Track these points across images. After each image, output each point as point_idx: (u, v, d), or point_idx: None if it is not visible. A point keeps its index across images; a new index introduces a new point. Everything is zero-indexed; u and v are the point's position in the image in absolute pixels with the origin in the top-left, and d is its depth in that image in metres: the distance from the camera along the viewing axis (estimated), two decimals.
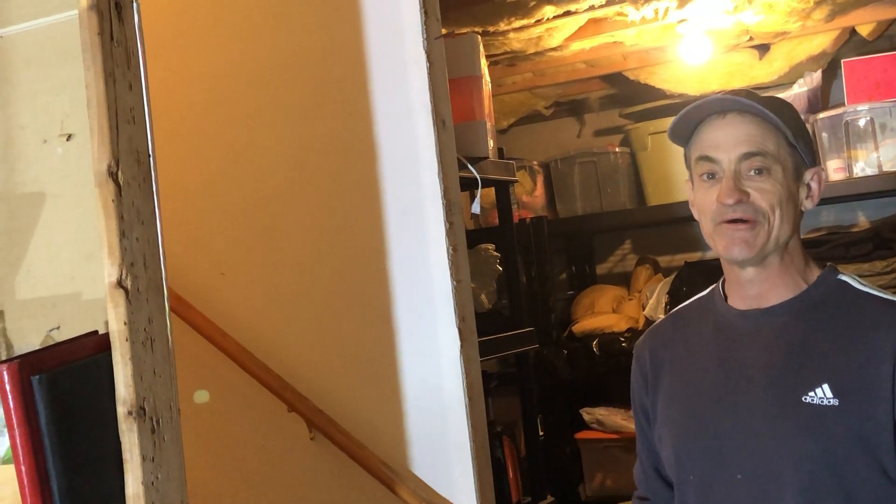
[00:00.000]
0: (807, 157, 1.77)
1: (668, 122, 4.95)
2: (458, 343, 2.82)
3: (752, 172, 1.71)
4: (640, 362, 1.94)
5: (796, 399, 1.66)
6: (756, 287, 1.77)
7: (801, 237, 1.82)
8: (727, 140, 1.73)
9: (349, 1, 2.95)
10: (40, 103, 1.94)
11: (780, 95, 4.41)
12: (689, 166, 1.85)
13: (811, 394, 1.64)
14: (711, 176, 1.76)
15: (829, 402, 1.62)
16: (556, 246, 5.14)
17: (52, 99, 1.93)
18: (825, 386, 1.64)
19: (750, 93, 1.77)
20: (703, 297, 1.94)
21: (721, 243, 1.74)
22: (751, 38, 4.59)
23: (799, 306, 1.75)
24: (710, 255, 4.85)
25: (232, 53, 3.15)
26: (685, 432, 1.79)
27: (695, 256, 4.83)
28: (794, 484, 1.64)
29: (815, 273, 1.79)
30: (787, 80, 4.69)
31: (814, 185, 1.79)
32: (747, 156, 1.71)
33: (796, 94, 4.50)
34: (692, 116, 1.78)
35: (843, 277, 1.78)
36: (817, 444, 1.63)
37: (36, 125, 1.95)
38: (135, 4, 1.80)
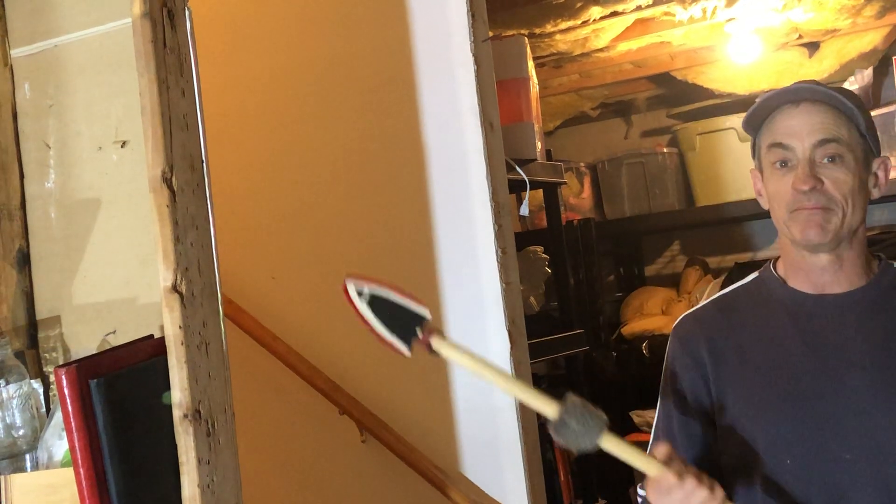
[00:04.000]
0: (874, 146, 1.79)
1: (717, 121, 4.91)
2: (507, 345, 2.82)
3: (825, 160, 1.73)
4: (691, 348, 1.89)
5: None
6: (829, 274, 1.79)
7: (868, 233, 1.82)
8: (801, 127, 1.74)
9: (396, 4, 2.96)
10: (95, 110, 1.97)
11: None
12: (757, 156, 1.86)
13: None
14: (784, 164, 1.77)
15: None
16: (604, 248, 5.11)
17: (107, 106, 1.95)
18: None
19: (820, 84, 1.79)
20: (748, 283, 1.94)
21: (797, 228, 1.75)
22: (800, 36, 4.55)
23: (876, 292, 1.79)
24: (760, 255, 4.80)
25: (281, 58, 3.18)
26: (779, 417, 1.77)
27: (745, 257, 4.78)
28: None
29: (873, 262, 1.83)
30: (837, 78, 4.63)
31: (881, 173, 1.81)
32: (822, 143, 1.73)
33: None
34: (767, 105, 1.79)
35: None
36: None
37: (91, 132, 1.97)
38: (187, 11, 1.82)
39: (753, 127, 1.85)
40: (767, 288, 1.89)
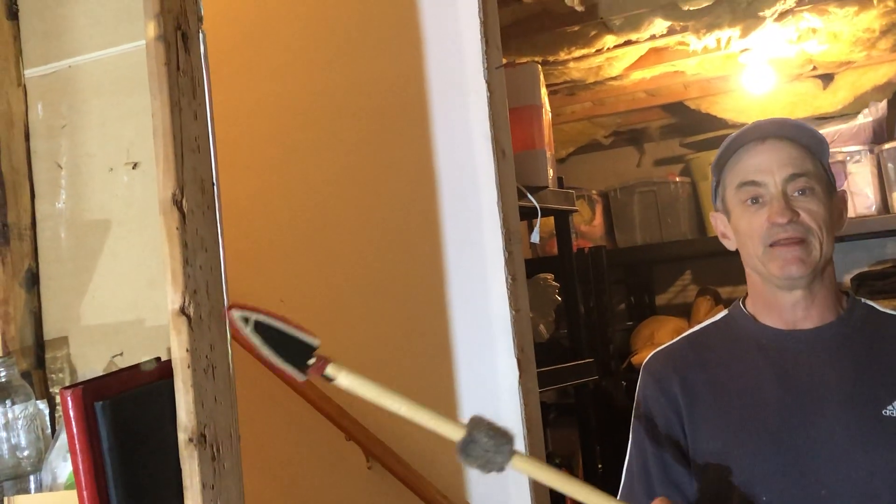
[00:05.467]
0: (833, 179, 1.83)
1: None
2: (516, 373, 2.80)
3: (797, 193, 1.76)
4: (663, 384, 1.88)
5: (877, 414, 1.69)
6: (801, 310, 1.80)
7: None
8: (771, 163, 1.77)
9: (411, 30, 2.96)
10: (108, 131, 1.97)
11: (845, 126, 4.36)
12: (722, 195, 1.88)
13: (890, 408, 1.69)
14: (756, 200, 1.79)
15: None
16: (614, 276, 5.10)
17: (120, 127, 1.95)
18: None
19: (783, 119, 1.83)
20: (718, 321, 1.95)
21: (775, 265, 1.76)
22: (814, 68, 4.55)
23: (847, 326, 1.80)
24: None
25: (293, 82, 3.18)
26: (754, 454, 1.76)
27: None
28: (891, 496, 1.65)
29: (842, 297, 1.85)
30: (851, 111, 4.63)
31: (842, 206, 1.85)
32: (793, 177, 1.76)
33: (861, 124, 4.43)
34: (732, 146, 1.82)
35: (866, 301, 1.85)
36: None
37: (103, 153, 1.97)
38: (201, 35, 1.82)
39: (717, 167, 1.88)
40: (738, 324, 1.89)
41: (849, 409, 1.71)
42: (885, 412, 1.68)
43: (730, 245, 1.88)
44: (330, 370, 1.44)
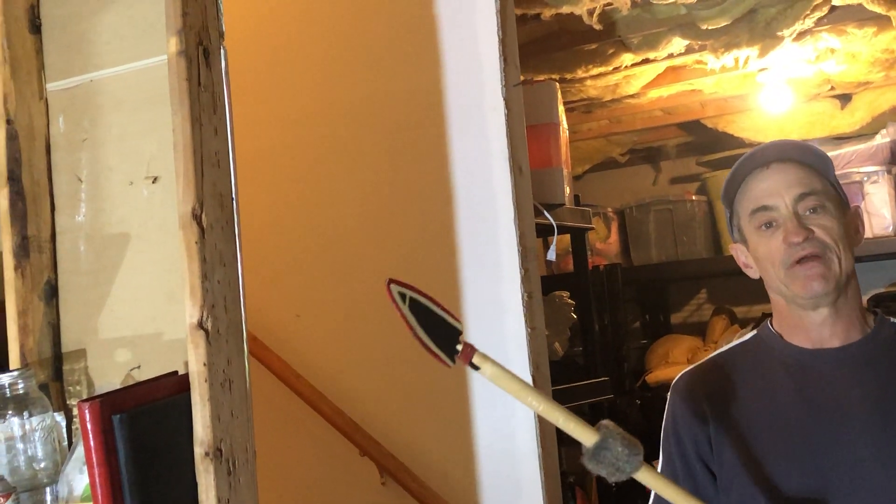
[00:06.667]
0: (844, 196, 1.84)
1: None
2: None
3: (808, 212, 1.77)
4: (692, 404, 1.89)
5: None
6: (827, 328, 1.80)
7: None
8: (779, 186, 1.79)
9: (429, 48, 2.97)
10: (128, 146, 1.98)
11: (863, 146, 4.35)
12: (737, 225, 1.89)
13: None
14: (769, 225, 1.80)
15: None
16: (629, 294, 5.09)
17: (140, 142, 1.96)
18: None
19: (786, 141, 1.86)
20: (746, 341, 1.95)
21: (798, 284, 1.77)
22: (832, 88, 4.54)
23: (874, 344, 1.79)
24: None
25: (312, 98, 3.20)
26: (780, 473, 1.76)
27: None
28: None
29: (869, 316, 1.84)
30: (868, 131, 4.62)
31: (857, 221, 1.86)
32: (802, 196, 1.77)
33: (878, 144, 4.42)
34: (738, 174, 1.84)
35: (894, 320, 1.85)
36: None
37: (123, 167, 1.98)
38: (222, 51, 1.83)
39: (727, 199, 1.89)
40: (766, 345, 1.90)
41: (871, 428, 1.71)
42: None
43: (753, 274, 1.90)
44: (477, 359, 1.45)
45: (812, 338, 1.82)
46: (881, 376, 1.76)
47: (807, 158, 1.80)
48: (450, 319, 1.48)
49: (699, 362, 2.00)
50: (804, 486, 1.73)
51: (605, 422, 1.48)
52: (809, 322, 1.81)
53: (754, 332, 1.96)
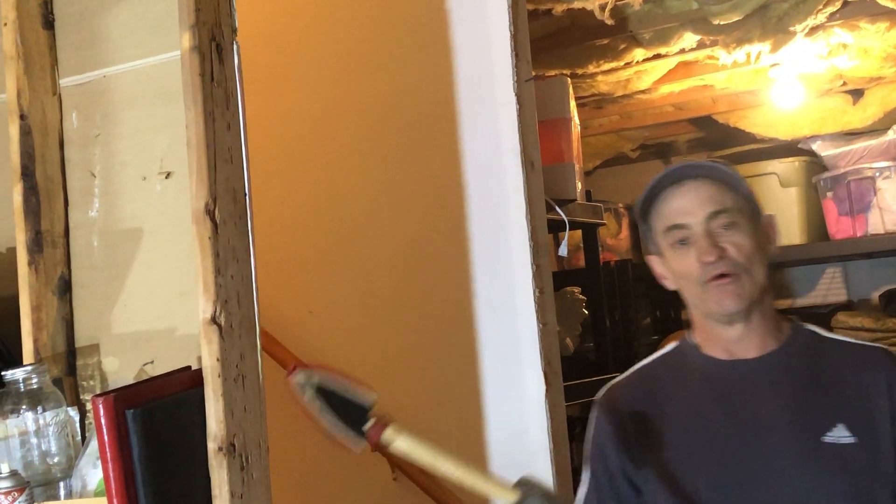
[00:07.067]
0: (756, 206, 1.87)
1: (759, 166, 4.88)
2: (543, 387, 2.79)
3: (721, 229, 1.80)
4: (615, 418, 1.91)
5: (818, 440, 1.72)
6: (744, 341, 1.84)
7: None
8: (691, 204, 1.82)
9: (441, 44, 2.97)
10: (141, 141, 1.98)
11: (875, 142, 4.33)
12: (652, 240, 1.91)
13: (830, 434, 1.72)
14: (683, 242, 1.83)
15: (847, 440, 1.71)
16: (640, 290, 5.08)
17: (153, 137, 1.97)
18: (840, 426, 1.73)
19: (697, 161, 1.91)
20: (666, 353, 2.00)
21: (712, 301, 1.80)
22: (844, 83, 4.53)
23: (789, 354, 1.83)
24: (799, 302, 4.75)
25: (324, 94, 3.19)
26: (702, 483, 1.78)
27: (784, 304, 4.73)
28: None
29: (785, 323, 1.88)
30: (880, 126, 4.60)
31: (770, 231, 1.90)
32: (714, 214, 1.80)
33: (891, 140, 4.40)
34: (652, 192, 1.87)
35: (809, 327, 1.89)
36: (848, 481, 1.69)
37: (137, 162, 1.99)
38: (235, 46, 1.83)
39: (642, 215, 1.92)
40: (685, 357, 1.94)
41: (790, 437, 1.74)
42: (825, 439, 1.72)
43: (669, 285, 1.92)
44: (388, 434, 1.45)
45: (729, 350, 1.85)
46: (796, 384, 1.80)
47: (718, 175, 1.83)
48: (358, 398, 1.47)
49: (623, 375, 2.03)
50: (725, 498, 1.76)
51: (525, 478, 1.50)
52: (725, 336, 1.84)
53: (675, 343, 2.00)
